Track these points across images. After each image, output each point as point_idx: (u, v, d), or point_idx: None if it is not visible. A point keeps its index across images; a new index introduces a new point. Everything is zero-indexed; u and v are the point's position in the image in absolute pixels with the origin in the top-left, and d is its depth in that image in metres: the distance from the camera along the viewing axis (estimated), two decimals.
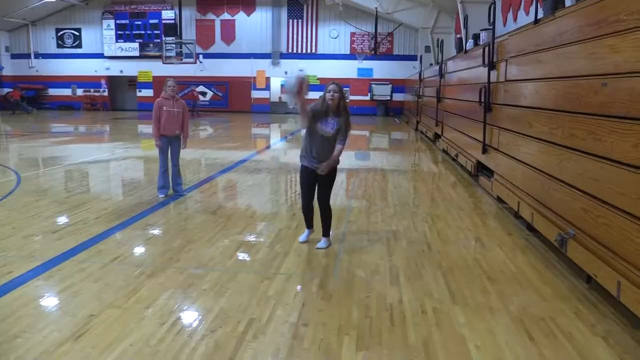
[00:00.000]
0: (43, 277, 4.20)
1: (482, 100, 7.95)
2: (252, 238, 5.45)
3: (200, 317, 3.53)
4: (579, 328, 3.50)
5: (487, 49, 7.92)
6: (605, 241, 3.89)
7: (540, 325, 3.52)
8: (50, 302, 3.76)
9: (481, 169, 8.58)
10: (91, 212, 6.36)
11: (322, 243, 5.11)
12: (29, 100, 31.21)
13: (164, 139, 7.09)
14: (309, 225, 5.28)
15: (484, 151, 8.05)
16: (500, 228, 6.06)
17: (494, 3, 8.28)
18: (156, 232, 5.63)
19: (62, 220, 6.08)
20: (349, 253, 4.97)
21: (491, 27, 8.04)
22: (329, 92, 4.78)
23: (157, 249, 4.99)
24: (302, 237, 5.27)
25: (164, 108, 6.97)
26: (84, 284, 4.04)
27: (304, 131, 5.03)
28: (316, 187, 5.02)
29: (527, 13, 11.63)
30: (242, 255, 4.85)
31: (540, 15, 6.91)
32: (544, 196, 5.29)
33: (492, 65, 7.78)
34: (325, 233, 5.15)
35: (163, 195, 7.24)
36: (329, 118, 4.80)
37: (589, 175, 4.24)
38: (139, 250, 5.00)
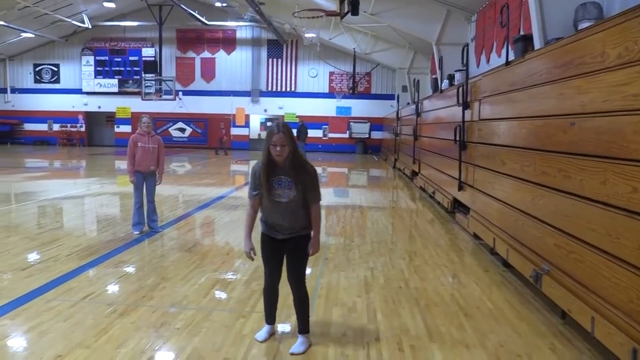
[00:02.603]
0: (9, 316, 4.06)
1: (457, 138, 8.10)
2: (228, 276, 5.37)
3: (173, 357, 3.43)
4: None
5: (461, 89, 8.14)
6: (578, 276, 3.94)
7: None
8: (15, 342, 3.62)
9: (458, 206, 8.68)
10: (63, 249, 6.22)
11: (299, 345, 3.58)
12: (4, 135, 30.83)
13: (138, 175, 7.05)
14: (271, 318, 3.78)
15: (460, 188, 8.16)
16: (477, 264, 6.09)
17: (467, 45, 8.55)
18: (130, 269, 5.51)
19: (33, 257, 5.92)
20: (326, 289, 4.93)
21: (465, 68, 8.27)
22: (273, 144, 3.35)
23: (130, 286, 4.88)
24: (260, 335, 3.74)
25: (139, 144, 6.96)
26: (52, 323, 3.91)
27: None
28: (284, 263, 3.67)
29: (500, 55, 12.01)
30: (217, 293, 4.77)
31: (511, 57, 7.16)
32: (519, 232, 5.36)
33: (466, 105, 7.98)
34: (303, 328, 3.66)
35: (138, 232, 7.14)
36: (281, 177, 3.45)
37: (561, 211, 4.32)
38: (111, 288, 4.88)
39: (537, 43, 7.70)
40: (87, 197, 11.00)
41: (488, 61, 12.94)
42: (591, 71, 3.92)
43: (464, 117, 8.03)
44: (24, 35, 26.59)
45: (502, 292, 5.04)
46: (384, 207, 10.63)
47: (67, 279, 5.02)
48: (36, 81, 31.86)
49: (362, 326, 4.06)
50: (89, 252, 6.12)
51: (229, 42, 30.56)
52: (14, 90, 31.82)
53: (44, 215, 8.86)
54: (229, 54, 30.67)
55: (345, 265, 5.88)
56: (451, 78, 14.08)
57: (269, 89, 30.52)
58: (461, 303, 4.69)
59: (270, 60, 30.39)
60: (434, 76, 18.18)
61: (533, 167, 5.01)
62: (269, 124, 30.26)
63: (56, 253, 6.03)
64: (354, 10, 9.77)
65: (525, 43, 8.21)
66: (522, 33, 10.05)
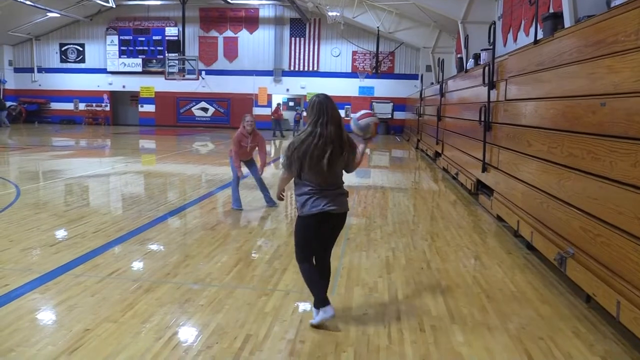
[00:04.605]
0: (39, 291, 4.17)
1: (482, 119, 7.98)
2: (250, 254, 5.43)
3: (196, 332, 3.50)
4: (578, 348, 3.47)
5: (487, 68, 7.98)
6: (604, 260, 3.87)
7: (539, 344, 3.50)
8: (45, 315, 3.73)
9: (481, 188, 8.59)
10: (90, 226, 6.35)
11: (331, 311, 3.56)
12: (31, 114, 31.41)
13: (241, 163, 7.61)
14: (325, 298, 3.60)
15: (484, 170, 8.06)
16: (500, 246, 6.04)
17: (494, 23, 8.37)
18: (154, 246, 5.61)
19: (60, 233, 6.07)
20: (347, 269, 4.95)
21: (491, 47, 8.10)
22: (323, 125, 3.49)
23: (154, 263, 4.97)
24: (329, 311, 3.57)
25: (241, 144, 7.42)
26: (80, 298, 4.01)
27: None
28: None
29: (527, 34, 11.75)
30: (240, 271, 4.83)
31: (540, 35, 6.98)
32: (544, 215, 5.28)
33: (492, 85, 7.83)
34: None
35: (236, 207, 7.57)
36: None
37: (588, 194, 4.23)
38: (136, 264, 4.97)
39: (568, 21, 7.49)
40: (112, 176, 11.18)
41: (515, 40, 12.67)
42: (624, 50, 3.80)
43: (489, 98, 7.89)
44: (50, 15, 26.88)
45: (525, 275, 5.00)
46: (406, 188, 10.57)
47: (94, 256, 5.13)
48: (62, 61, 32.26)
49: (383, 306, 4.08)
50: (115, 229, 6.24)
51: (251, 21, 30.43)
52: (40, 70, 32.31)
53: (71, 193, 9.05)
54: (251, 33, 30.56)
55: (366, 245, 5.88)
56: (477, 57, 13.83)
57: (292, 68, 30.39)
58: (483, 285, 4.67)
59: (292, 39, 30.21)
60: (459, 55, 17.88)
61: (560, 149, 4.91)
62: (290, 103, 30.24)
63: (83, 230, 6.16)
64: None
65: (555, 21, 7.97)
66: (551, 11, 9.79)
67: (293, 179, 3.66)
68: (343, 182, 3.72)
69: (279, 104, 27.51)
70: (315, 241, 3.69)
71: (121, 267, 4.82)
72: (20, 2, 23.11)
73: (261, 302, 4.05)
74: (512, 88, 6.90)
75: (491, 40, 8.14)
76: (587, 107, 4.40)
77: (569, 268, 4.43)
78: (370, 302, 4.15)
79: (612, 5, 6.93)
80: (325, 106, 3.53)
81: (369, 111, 4.00)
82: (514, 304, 4.25)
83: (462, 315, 3.95)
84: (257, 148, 7.66)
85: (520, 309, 4.14)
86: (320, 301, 3.58)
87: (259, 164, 7.73)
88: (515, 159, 6.43)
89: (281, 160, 3.72)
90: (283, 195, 3.92)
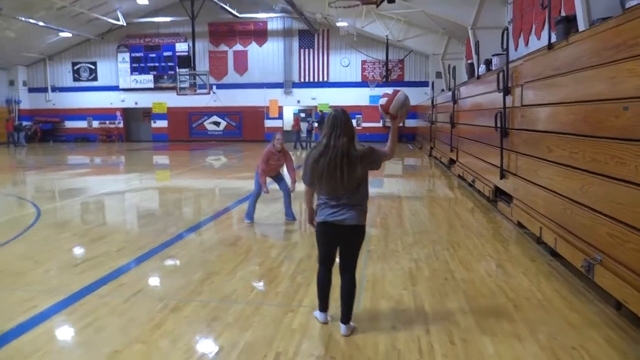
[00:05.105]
0: (67, 312, 4.20)
1: (498, 125, 7.94)
2: (273, 269, 5.42)
3: (226, 351, 3.49)
4: (611, 356, 3.42)
5: (501, 74, 7.95)
6: (635, 266, 3.81)
7: (571, 353, 3.45)
8: (74, 338, 3.75)
9: (499, 194, 8.53)
10: (112, 245, 6.40)
11: (344, 329, 3.73)
12: (46, 133, 31.82)
13: (268, 179, 7.64)
14: (325, 305, 3.92)
15: (502, 176, 8.00)
16: (523, 254, 5.98)
17: (507, 29, 8.34)
18: (177, 264, 5.63)
19: (84, 253, 6.12)
20: (371, 282, 4.92)
21: (504, 52, 8.07)
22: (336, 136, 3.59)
23: (179, 281, 4.98)
24: (320, 316, 3.95)
25: (270, 161, 7.51)
26: (108, 319, 4.03)
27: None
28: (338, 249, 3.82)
29: (539, 37, 11.70)
30: (264, 287, 4.83)
31: (553, 39, 6.95)
32: (567, 221, 5.22)
33: (507, 90, 7.79)
34: (346, 318, 3.74)
35: (249, 221, 7.65)
36: None
37: (614, 199, 4.18)
38: (161, 283, 4.99)
39: (582, 24, 7.45)
40: (129, 193, 11.27)
41: (527, 44, 12.61)
42: None
43: (504, 103, 7.85)
44: (62, 34, 27.28)
45: (551, 283, 4.94)
46: (422, 197, 10.53)
47: (118, 275, 5.16)
48: (75, 79, 32.68)
49: (411, 319, 4.04)
50: (137, 247, 6.27)
51: (260, 34, 30.65)
52: (54, 89, 32.75)
53: (90, 211, 9.13)
54: (260, 45, 30.76)
55: (388, 256, 5.85)
56: (488, 63, 13.78)
57: (302, 79, 30.51)
58: (510, 294, 4.62)
59: (301, 50, 30.35)
60: (469, 61, 17.82)
61: (582, 154, 4.86)
62: (302, 114, 30.32)
63: (106, 249, 6.20)
64: None
65: (568, 24, 7.94)
66: (563, 14, 9.75)
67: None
68: (363, 196, 3.72)
69: (298, 116, 27.58)
70: (326, 248, 3.81)
71: (146, 286, 4.84)
72: (34, 23, 23.50)
73: (288, 318, 4.04)
74: (529, 93, 6.87)
75: (504, 46, 8.11)
76: (610, 111, 4.36)
77: (597, 275, 4.37)
78: (397, 316, 4.12)
79: (627, 6, 6.90)
80: (339, 120, 3.62)
81: (389, 92, 3.96)
82: (542, 312, 4.19)
83: (491, 326, 3.91)
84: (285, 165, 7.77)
85: (549, 317, 4.09)
86: (319, 305, 3.94)
87: (288, 179, 7.75)
88: (535, 165, 6.38)
89: (301, 174, 3.80)
90: (315, 223, 3.87)
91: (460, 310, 4.23)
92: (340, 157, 3.54)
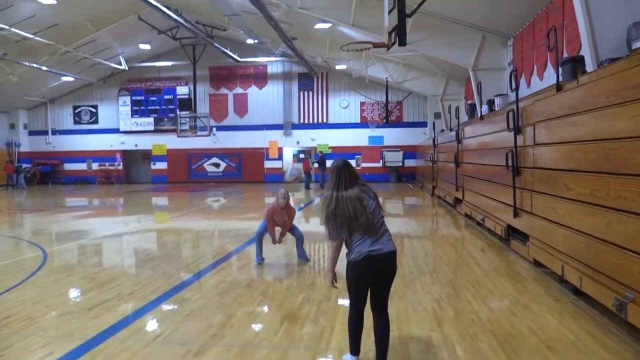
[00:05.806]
0: (85, 358, 4.05)
1: (510, 164, 7.95)
2: (293, 311, 5.28)
3: None
4: None
5: (511, 113, 8.01)
6: None
7: None
8: None
9: (512, 233, 8.46)
10: (123, 288, 6.25)
11: None
12: (45, 175, 31.76)
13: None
14: (358, 349, 3.80)
15: (515, 215, 7.96)
16: (545, 293, 5.87)
17: (515, 70, 8.47)
18: (194, 307, 5.48)
19: (96, 296, 5.96)
20: (397, 323, 4.79)
21: (514, 91, 8.17)
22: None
23: (198, 325, 4.83)
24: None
25: (274, 217, 7.42)
26: None
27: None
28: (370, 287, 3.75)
29: (541, 78, 11.89)
30: (288, 330, 4.69)
31: (560, 79, 7.05)
32: (592, 259, 5.15)
33: (517, 130, 7.84)
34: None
35: (258, 262, 7.56)
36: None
37: None
38: (180, 326, 4.84)
39: (590, 65, 7.58)
40: (133, 235, 11.14)
41: (529, 85, 12.81)
42: None
43: (516, 142, 7.88)
44: (64, 79, 27.59)
45: (579, 322, 4.83)
46: (431, 236, 10.44)
47: (134, 319, 5.02)
48: (75, 122, 32.85)
49: None
50: (150, 290, 6.13)
51: (260, 77, 31.10)
52: (54, 132, 32.87)
53: (96, 253, 8.98)
54: (260, 88, 31.16)
55: (410, 297, 5.73)
56: (491, 103, 13.99)
57: (301, 121, 30.78)
58: (540, 335, 4.50)
59: (301, 93, 30.75)
60: (469, 102, 18.10)
61: (606, 191, 4.84)
62: (301, 155, 30.46)
63: (118, 292, 6.05)
64: (402, 41, 9.81)
65: (574, 65, 8.10)
66: (565, 55, 9.94)
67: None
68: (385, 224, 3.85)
69: (307, 158, 27.61)
70: (364, 286, 3.72)
71: (165, 330, 4.69)
72: (37, 68, 23.78)
73: None
74: (542, 132, 6.90)
75: (513, 86, 8.22)
76: (634, 149, 4.36)
77: (631, 313, 4.27)
78: (429, 359, 3.98)
79: (634, 47, 7.04)
80: (342, 172, 3.82)
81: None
82: (578, 354, 4.08)
83: None
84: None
85: (585, 359, 3.97)
86: (351, 349, 3.79)
87: (299, 226, 7.72)
88: (552, 203, 6.35)
89: (325, 233, 3.75)
90: (336, 283, 3.91)
91: (494, 352, 4.11)
92: (355, 201, 3.70)
